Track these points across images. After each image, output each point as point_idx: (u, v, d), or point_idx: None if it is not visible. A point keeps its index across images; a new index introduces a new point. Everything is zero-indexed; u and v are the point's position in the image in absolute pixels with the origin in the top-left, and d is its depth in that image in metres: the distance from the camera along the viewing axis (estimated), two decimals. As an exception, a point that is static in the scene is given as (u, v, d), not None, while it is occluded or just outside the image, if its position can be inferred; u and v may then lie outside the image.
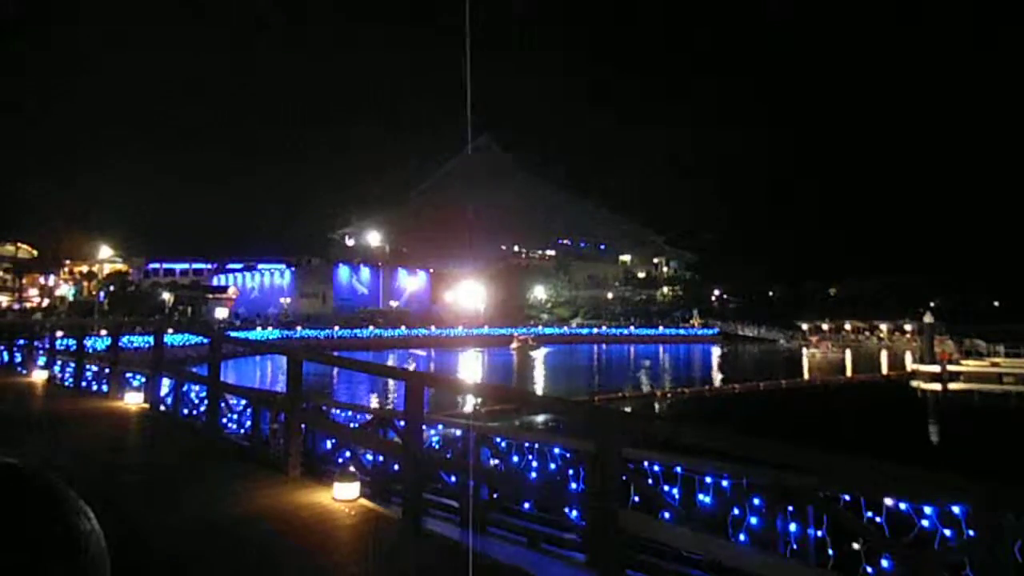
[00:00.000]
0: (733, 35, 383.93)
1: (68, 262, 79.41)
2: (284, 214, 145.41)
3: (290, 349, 7.54)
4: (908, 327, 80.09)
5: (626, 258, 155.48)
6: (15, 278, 75.59)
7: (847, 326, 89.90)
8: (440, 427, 8.00)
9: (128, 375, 12.39)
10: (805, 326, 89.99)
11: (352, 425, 8.55)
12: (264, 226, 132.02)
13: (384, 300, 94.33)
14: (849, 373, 48.65)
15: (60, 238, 76.37)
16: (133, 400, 11.24)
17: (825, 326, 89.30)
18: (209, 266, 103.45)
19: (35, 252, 79.80)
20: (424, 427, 6.30)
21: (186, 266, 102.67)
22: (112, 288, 70.99)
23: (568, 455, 5.83)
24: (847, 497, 3.89)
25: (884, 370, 49.16)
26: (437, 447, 7.53)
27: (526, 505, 6.01)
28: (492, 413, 20.72)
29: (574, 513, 5.23)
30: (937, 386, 38.10)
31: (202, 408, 9.67)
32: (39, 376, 14.99)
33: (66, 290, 78.23)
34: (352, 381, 33.08)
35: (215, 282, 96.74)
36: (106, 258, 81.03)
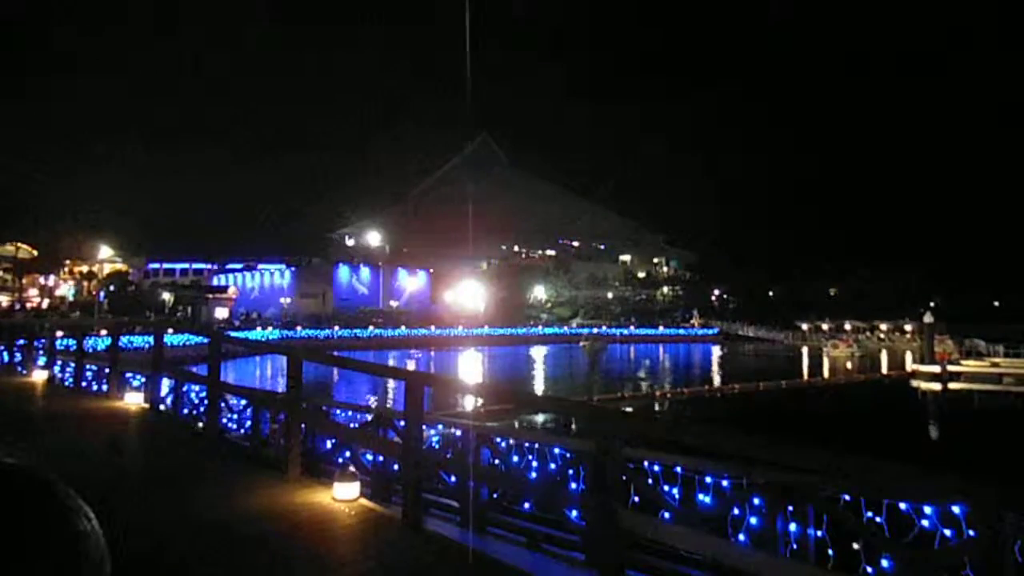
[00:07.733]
0: (733, 35, 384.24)
1: (68, 262, 79.40)
2: (284, 214, 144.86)
3: (290, 349, 7.54)
4: (908, 327, 79.93)
5: (626, 258, 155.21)
6: (15, 278, 75.58)
7: (847, 326, 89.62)
8: (440, 427, 8.01)
9: (128, 375, 12.38)
10: (805, 326, 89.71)
11: (352, 425, 8.56)
12: (264, 226, 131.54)
13: (384, 300, 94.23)
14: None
15: (60, 238, 76.37)
16: (133, 400, 11.23)
17: (825, 326, 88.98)
18: (209, 266, 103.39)
19: (35, 252, 79.76)
20: (424, 427, 6.30)
21: (186, 266, 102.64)
22: (112, 288, 71.02)
23: (568, 455, 5.83)
24: (847, 497, 3.89)
25: (884, 370, 49.19)
26: (437, 447, 7.53)
27: (526, 505, 6.01)
28: (492, 413, 20.74)
29: (574, 513, 5.22)
30: (937, 386, 38.13)
31: (202, 408, 9.67)
32: (39, 376, 14.97)
33: (66, 290, 78.22)
34: (352, 381, 33.08)
35: (215, 282, 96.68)
36: (106, 258, 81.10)
